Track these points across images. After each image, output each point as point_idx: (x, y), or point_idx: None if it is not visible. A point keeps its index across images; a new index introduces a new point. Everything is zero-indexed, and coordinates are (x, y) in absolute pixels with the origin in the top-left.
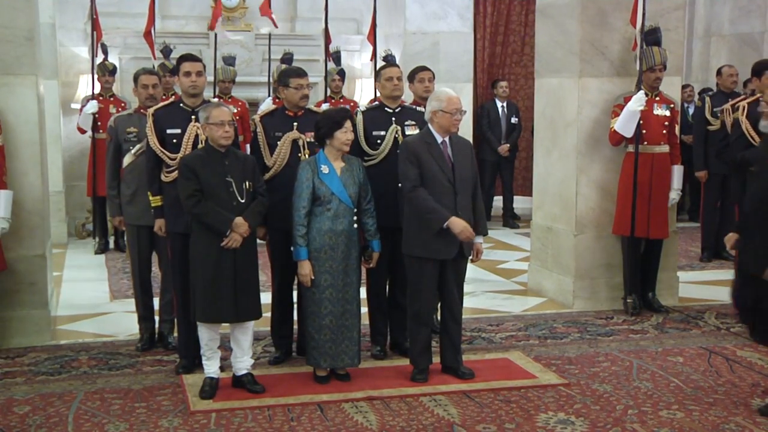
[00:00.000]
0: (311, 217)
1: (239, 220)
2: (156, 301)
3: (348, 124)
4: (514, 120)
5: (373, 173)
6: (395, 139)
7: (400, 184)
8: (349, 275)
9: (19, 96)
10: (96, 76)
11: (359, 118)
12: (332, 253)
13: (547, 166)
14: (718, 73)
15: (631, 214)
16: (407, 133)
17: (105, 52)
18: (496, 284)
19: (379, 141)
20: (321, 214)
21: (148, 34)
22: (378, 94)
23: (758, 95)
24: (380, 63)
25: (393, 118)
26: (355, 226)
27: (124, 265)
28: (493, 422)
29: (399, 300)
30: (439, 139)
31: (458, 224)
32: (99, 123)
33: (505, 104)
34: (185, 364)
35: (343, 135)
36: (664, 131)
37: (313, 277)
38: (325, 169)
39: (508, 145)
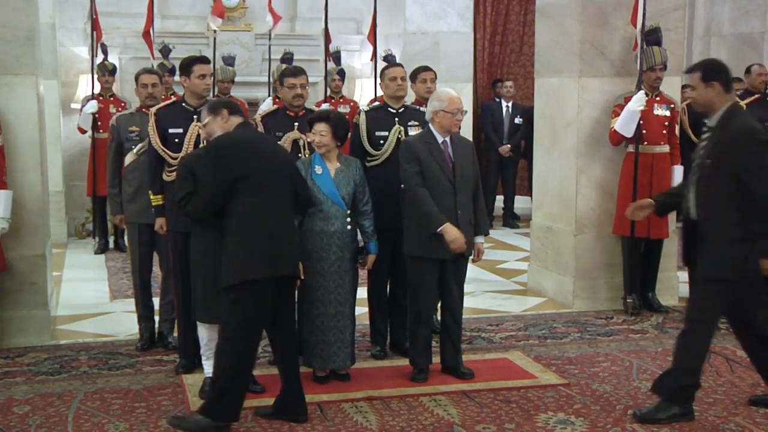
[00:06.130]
0: (304, 218)
1: None
2: (156, 301)
3: (319, 126)
4: (518, 120)
5: (376, 174)
6: (398, 139)
7: (402, 185)
8: (341, 277)
9: (19, 96)
10: (96, 76)
11: (362, 118)
12: (324, 254)
13: (546, 166)
14: (747, 71)
15: None
16: (410, 133)
17: (105, 52)
18: (496, 284)
19: (381, 141)
20: (312, 215)
21: (147, 34)
22: (380, 94)
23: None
24: (380, 63)
25: (396, 119)
26: (350, 227)
27: (124, 265)
28: (493, 422)
29: (399, 300)
30: (440, 139)
31: (452, 232)
32: (99, 123)
33: (510, 104)
34: (185, 364)
35: (312, 135)
36: (664, 131)
37: None
38: (318, 170)
39: (509, 145)
